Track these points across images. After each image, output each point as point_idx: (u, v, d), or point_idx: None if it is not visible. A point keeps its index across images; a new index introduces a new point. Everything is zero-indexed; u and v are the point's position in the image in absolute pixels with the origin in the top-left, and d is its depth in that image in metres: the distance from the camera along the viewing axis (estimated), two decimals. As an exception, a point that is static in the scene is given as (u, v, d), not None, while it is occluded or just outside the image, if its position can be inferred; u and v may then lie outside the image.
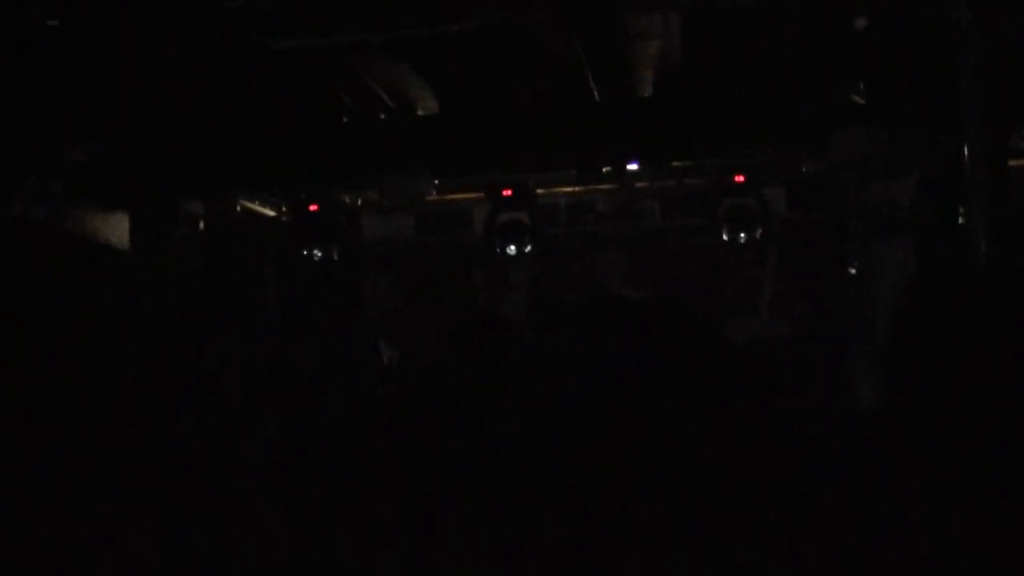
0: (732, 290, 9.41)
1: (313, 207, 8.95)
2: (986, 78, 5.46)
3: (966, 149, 5.52)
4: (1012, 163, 7.02)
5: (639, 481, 1.11)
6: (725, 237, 8.44)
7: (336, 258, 8.96)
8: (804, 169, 8.71)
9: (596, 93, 7.64)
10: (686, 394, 1.15)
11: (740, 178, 8.38)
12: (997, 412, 1.55)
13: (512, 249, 8.75)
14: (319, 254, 8.88)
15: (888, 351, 1.68)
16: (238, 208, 9.25)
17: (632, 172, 8.55)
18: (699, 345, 1.19)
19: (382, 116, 8.07)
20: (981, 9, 5.46)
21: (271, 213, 9.68)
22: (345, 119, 8.00)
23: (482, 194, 8.98)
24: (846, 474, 1.47)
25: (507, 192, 8.71)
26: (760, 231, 8.39)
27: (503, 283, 9.63)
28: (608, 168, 8.40)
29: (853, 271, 8.44)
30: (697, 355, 1.17)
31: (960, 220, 6.93)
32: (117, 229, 7.77)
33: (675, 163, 8.72)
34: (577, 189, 9.45)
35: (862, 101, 7.24)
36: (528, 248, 8.77)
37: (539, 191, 8.98)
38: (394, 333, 8.80)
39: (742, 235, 8.42)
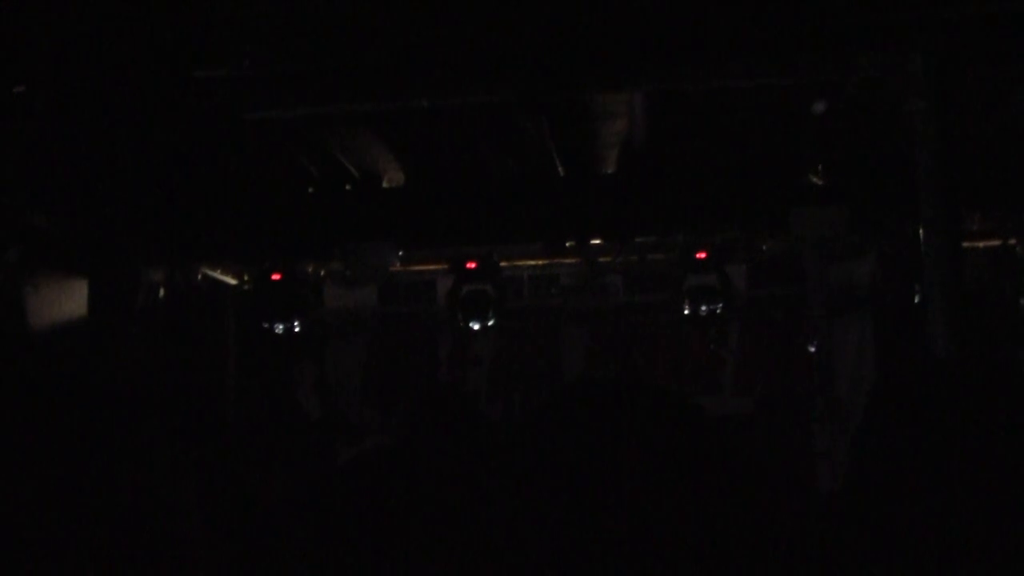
0: (695, 367, 9.45)
1: (276, 276, 8.90)
2: (940, 162, 5.60)
3: (922, 230, 5.64)
4: (967, 244, 7.17)
5: (611, 566, 1.08)
6: (687, 312, 8.50)
7: (298, 330, 8.87)
8: (765, 247, 8.83)
9: (561, 169, 7.74)
10: (665, 477, 1.13)
11: (702, 255, 8.47)
12: (961, 497, 1.55)
13: (475, 323, 8.74)
14: (280, 327, 8.78)
15: (857, 437, 1.67)
16: (200, 276, 9.18)
17: (596, 247, 8.62)
18: (679, 428, 1.17)
19: (348, 187, 8.10)
20: (934, 97, 5.62)
21: (233, 282, 9.63)
22: (311, 189, 8.02)
23: (446, 266, 8.99)
24: (807, 556, 1.45)
25: (471, 264, 8.73)
26: (722, 308, 8.45)
27: (466, 356, 9.60)
28: (572, 242, 8.47)
29: (812, 349, 8.51)
30: (677, 439, 1.16)
31: (917, 300, 7.05)
32: (76, 296, 7.68)
33: (638, 239, 8.80)
34: (541, 263, 9.50)
35: (821, 182, 7.39)
36: (491, 321, 8.77)
37: (503, 264, 9.02)
38: (356, 407, 8.72)
39: (704, 311, 8.48)
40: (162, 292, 8.80)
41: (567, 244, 8.50)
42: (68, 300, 7.61)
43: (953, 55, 5.60)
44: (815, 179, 7.37)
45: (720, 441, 1.13)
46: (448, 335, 9.48)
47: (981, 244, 8.23)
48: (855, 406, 7.70)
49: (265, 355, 8.99)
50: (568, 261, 9.27)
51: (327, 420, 8.43)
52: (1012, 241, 8.35)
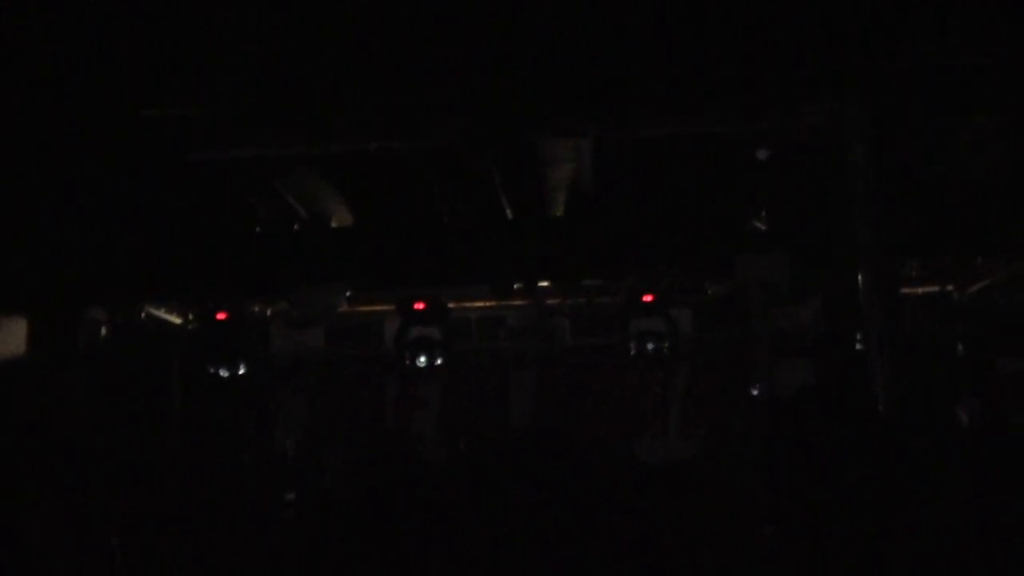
0: (640, 409, 9.49)
1: (221, 316, 8.80)
2: (879, 209, 5.74)
3: (860, 276, 5.76)
4: (906, 290, 7.32)
5: None
6: (633, 354, 8.55)
7: (243, 372, 8.75)
8: (710, 291, 8.94)
9: (509, 211, 7.78)
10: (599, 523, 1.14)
11: (649, 298, 8.54)
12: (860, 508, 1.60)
13: (423, 362, 8.72)
14: (225, 372, 8.65)
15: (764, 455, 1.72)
16: (143, 315, 9.05)
17: (543, 289, 8.66)
18: (607, 474, 1.18)
19: (296, 227, 8.06)
20: (873, 145, 5.77)
21: (178, 321, 9.51)
22: (258, 229, 7.97)
23: (394, 307, 8.97)
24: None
25: (419, 306, 8.71)
26: (668, 349, 8.52)
27: (413, 398, 9.56)
28: (520, 285, 8.49)
29: (755, 392, 8.60)
30: (606, 483, 1.17)
31: (858, 345, 7.16)
32: (14, 336, 7.53)
33: (585, 282, 8.86)
34: (489, 304, 9.51)
35: (764, 227, 7.52)
36: (439, 362, 8.75)
37: (451, 306, 9.01)
38: (302, 453, 8.62)
39: (650, 352, 8.54)
40: (104, 331, 8.66)
41: (515, 287, 8.52)
42: (7, 338, 7.46)
43: (892, 105, 5.76)
44: (759, 224, 7.49)
45: (652, 488, 1.13)
46: (395, 376, 9.43)
47: (920, 291, 8.41)
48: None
49: (210, 397, 8.86)
50: (516, 303, 9.30)
51: (270, 463, 8.31)
52: (949, 287, 8.54)
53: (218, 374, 8.65)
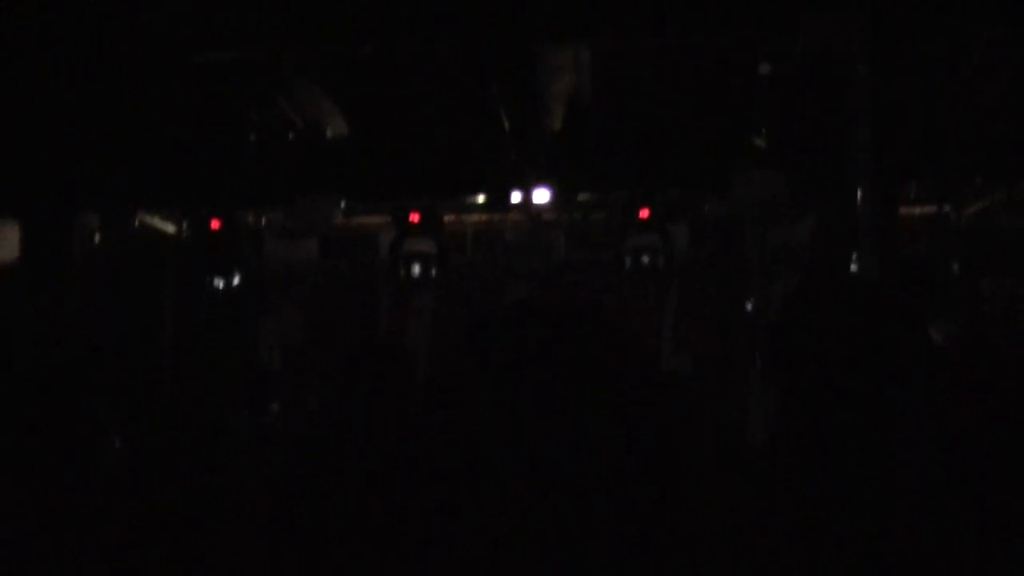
0: (635, 325, 9.53)
1: (215, 225, 8.77)
2: (880, 128, 5.68)
3: (859, 195, 5.73)
4: (902, 211, 7.30)
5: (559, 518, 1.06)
6: (627, 267, 8.55)
7: (237, 281, 8.76)
8: (707, 208, 8.91)
9: (507, 124, 7.71)
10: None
11: (645, 214, 8.51)
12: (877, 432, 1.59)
13: (417, 273, 8.72)
14: (220, 281, 8.64)
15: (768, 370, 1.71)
16: (136, 223, 9.02)
17: (540, 204, 8.62)
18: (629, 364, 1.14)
19: (291, 137, 7.99)
20: (876, 63, 5.69)
21: (171, 229, 9.47)
22: (252, 138, 7.89)
23: (389, 219, 8.94)
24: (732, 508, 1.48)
25: (414, 218, 8.68)
26: (662, 265, 8.53)
27: (407, 310, 9.58)
28: (516, 198, 8.46)
29: (750, 308, 8.63)
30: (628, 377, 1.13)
31: (853, 265, 7.17)
32: (8, 241, 7.50)
33: (581, 197, 8.83)
34: (485, 219, 9.48)
35: (764, 145, 7.46)
36: (433, 274, 8.75)
37: (447, 218, 8.98)
38: (295, 362, 8.66)
39: (645, 267, 8.54)
40: (97, 238, 8.63)
41: (511, 201, 8.49)
42: (1, 243, 7.45)
43: (895, 21, 5.66)
44: (757, 142, 7.44)
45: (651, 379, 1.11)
46: (390, 288, 9.44)
47: (917, 211, 8.39)
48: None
49: (204, 307, 8.87)
50: (512, 218, 9.27)
51: (263, 377, 8.36)
52: (946, 208, 8.52)
53: (212, 283, 8.66)
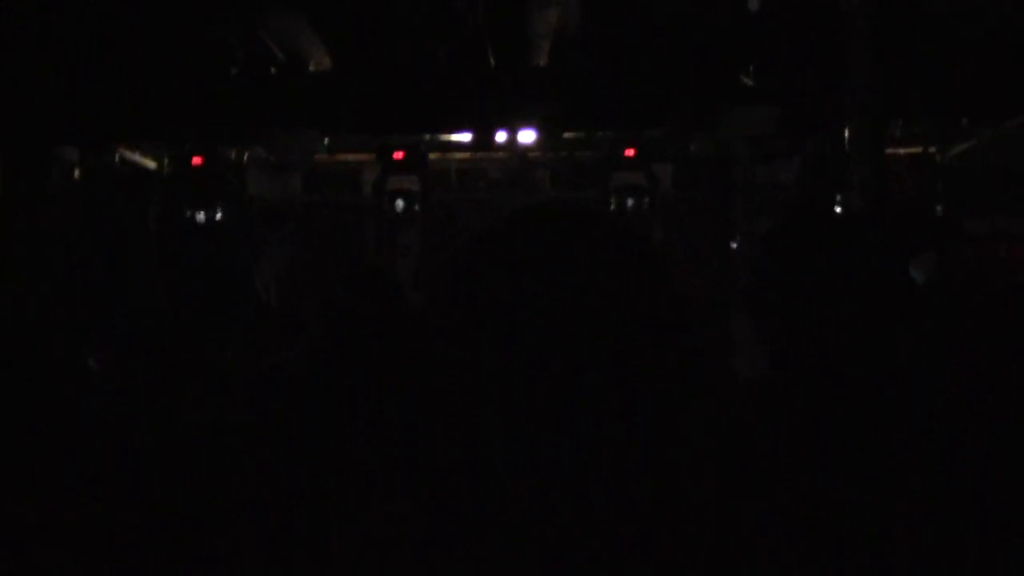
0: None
1: (197, 160, 8.67)
2: (870, 67, 5.65)
3: (847, 134, 5.72)
4: (888, 151, 7.30)
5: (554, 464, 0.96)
6: (612, 207, 8.53)
7: (220, 217, 8.67)
8: (692, 147, 8.87)
9: (492, 59, 7.61)
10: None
11: (630, 152, 8.47)
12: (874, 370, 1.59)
13: (400, 208, 8.68)
14: (202, 215, 8.56)
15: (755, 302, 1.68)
16: (117, 159, 8.90)
17: (525, 143, 8.57)
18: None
19: (272, 70, 7.87)
20: (867, 2, 5.64)
21: (152, 165, 9.36)
22: (234, 71, 7.77)
23: (373, 155, 8.86)
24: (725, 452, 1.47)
25: (398, 155, 8.61)
26: (648, 204, 8.51)
27: (393, 246, 9.55)
28: (501, 137, 8.39)
29: (735, 246, 8.65)
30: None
31: (838, 205, 7.18)
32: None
33: (567, 135, 8.76)
34: (469, 156, 9.41)
35: (751, 82, 7.41)
36: (416, 209, 8.71)
37: (431, 156, 8.91)
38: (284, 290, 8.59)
39: (630, 207, 8.52)
40: (77, 172, 8.52)
41: (496, 137, 8.42)
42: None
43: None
44: (746, 80, 7.38)
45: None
46: (374, 225, 9.40)
47: (902, 151, 8.39)
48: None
49: (187, 241, 8.79)
50: (497, 155, 9.21)
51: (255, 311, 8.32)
52: (932, 149, 8.52)
53: (194, 218, 8.58)
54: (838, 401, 1.56)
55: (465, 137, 8.59)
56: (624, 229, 1.02)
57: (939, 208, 8.09)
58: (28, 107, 7.18)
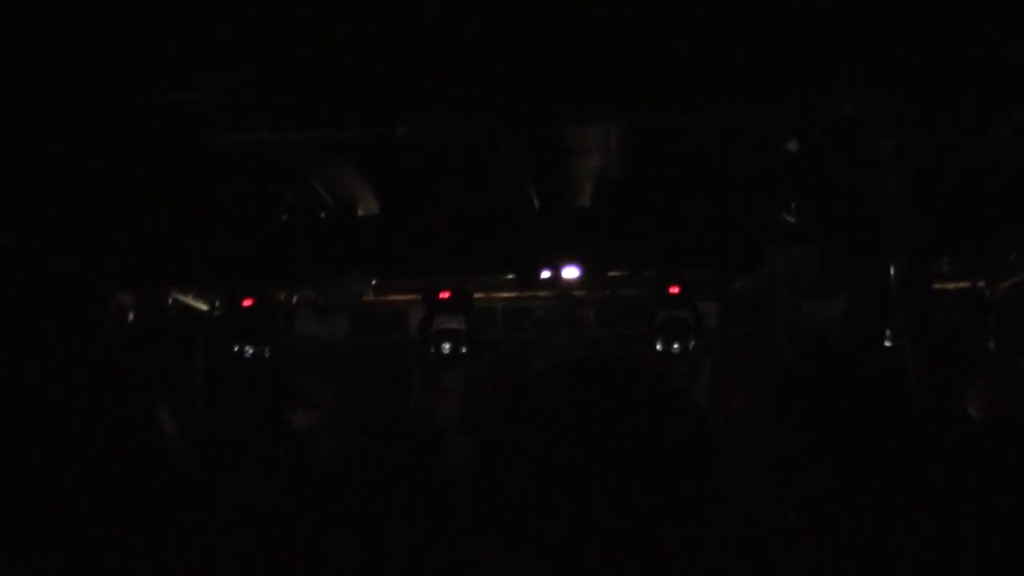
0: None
1: (247, 303, 8.84)
2: (911, 204, 5.64)
3: (892, 271, 5.66)
4: (937, 286, 7.22)
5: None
6: (659, 348, 8.49)
7: (268, 356, 8.78)
8: (737, 285, 8.85)
9: (536, 201, 7.74)
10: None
11: (675, 290, 8.47)
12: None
13: (446, 350, 8.71)
14: (250, 351, 8.69)
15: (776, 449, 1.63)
16: (170, 301, 9.10)
17: (569, 281, 8.62)
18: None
19: (322, 215, 8.06)
20: (906, 137, 5.67)
21: (204, 307, 9.55)
22: (284, 217, 7.98)
23: (419, 296, 8.96)
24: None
25: (444, 295, 8.70)
26: (693, 343, 8.46)
27: (437, 388, 9.54)
28: (546, 275, 8.46)
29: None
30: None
31: (887, 341, 7.07)
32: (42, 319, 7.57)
33: (611, 273, 8.81)
34: (514, 295, 9.48)
35: (794, 220, 7.43)
36: (463, 351, 8.73)
37: (477, 296, 8.99)
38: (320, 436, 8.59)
39: (676, 346, 8.47)
40: (131, 316, 8.71)
41: (541, 277, 8.48)
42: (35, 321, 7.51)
43: (926, 97, 5.66)
44: (788, 217, 7.41)
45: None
46: (420, 365, 9.42)
47: (951, 286, 8.29)
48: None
49: (234, 378, 8.88)
50: (541, 294, 9.26)
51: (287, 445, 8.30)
52: (981, 283, 8.41)
53: (242, 354, 8.70)
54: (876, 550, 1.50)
55: (509, 277, 8.68)
56: (667, 392, 1.05)
57: (991, 344, 7.93)
58: (84, 257, 7.41)
